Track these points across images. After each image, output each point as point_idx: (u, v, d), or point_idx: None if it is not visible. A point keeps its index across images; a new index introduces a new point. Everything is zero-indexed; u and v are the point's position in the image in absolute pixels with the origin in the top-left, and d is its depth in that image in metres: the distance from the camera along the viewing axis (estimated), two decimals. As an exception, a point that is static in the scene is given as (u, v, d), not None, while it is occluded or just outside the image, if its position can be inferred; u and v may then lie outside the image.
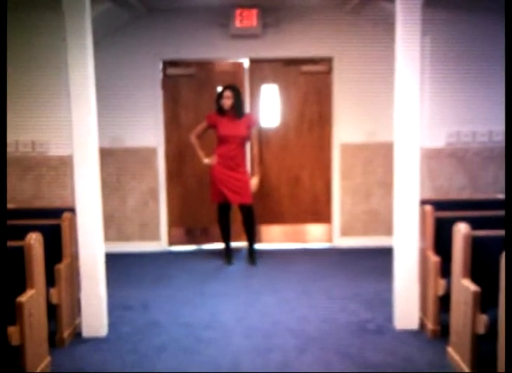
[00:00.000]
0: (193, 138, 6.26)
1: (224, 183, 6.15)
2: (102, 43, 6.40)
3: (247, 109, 6.83)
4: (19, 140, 6.00)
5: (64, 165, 5.95)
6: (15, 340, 3.39)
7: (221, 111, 6.16)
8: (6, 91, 3.60)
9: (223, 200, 6.22)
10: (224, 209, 6.35)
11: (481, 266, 3.76)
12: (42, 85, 5.90)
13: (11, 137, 5.89)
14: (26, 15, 5.81)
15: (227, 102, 6.10)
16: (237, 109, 6.14)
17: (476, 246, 3.78)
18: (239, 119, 6.13)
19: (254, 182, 6.29)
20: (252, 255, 6.42)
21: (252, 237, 6.41)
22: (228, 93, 6.11)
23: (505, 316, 2.88)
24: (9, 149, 5.91)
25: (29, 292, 3.59)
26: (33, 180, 6.05)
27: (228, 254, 6.49)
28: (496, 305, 3.29)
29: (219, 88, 6.21)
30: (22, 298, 3.48)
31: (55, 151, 6.00)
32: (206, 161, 6.20)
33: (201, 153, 6.22)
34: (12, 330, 3.38)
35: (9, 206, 5.22)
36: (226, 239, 6.51)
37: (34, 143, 6.02)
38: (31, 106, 5.94)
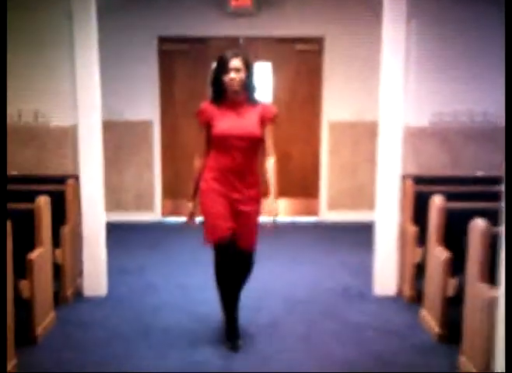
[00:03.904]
0: (197, 163, 3.82)
1: (222, 210, 3.69)
2: (100, 18, 6.61)
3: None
4: (22, 110, 6.23)
5: (66, 136, 6.19)
6: (25, 293, 3.70)
7: (219, 97, 3.69)
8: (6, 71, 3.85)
9: (224, 237, 3.66)
10: (226, 252, 3.69)
11: (454, 235, 4.08)
12: (45, 56, 6.11)
13: (14, 107, 6.12)
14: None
15: (237, 78, 3.59)
16: (251, 91, 3.72)
17: (450, 217, 4.10)
18: (251, 107, 3.71)
19: (271, 206, 3.74)
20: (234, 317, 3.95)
21: (242, 285, 3.99)
22: (237, 63, 3.60)
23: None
24: (13, 119, 6.14)
25: (38, 250, 3.90)
26: (35, 149, 6.29)
27: (231, 331, 3.87)
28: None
29: (217, 60, 3.69)
30: (33, 255, 3.79)
31: (57, 121, 6.24)
32: (190, 205, 3.88)
33: (193, 188, 3.86)
34: (23, 284, 3.69)
35: (13, 172, 5.48)
36: (229, 306, 3.88)
37: (37, 113, 6.25)
38: (34, 77, 6.16)
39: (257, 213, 3.80)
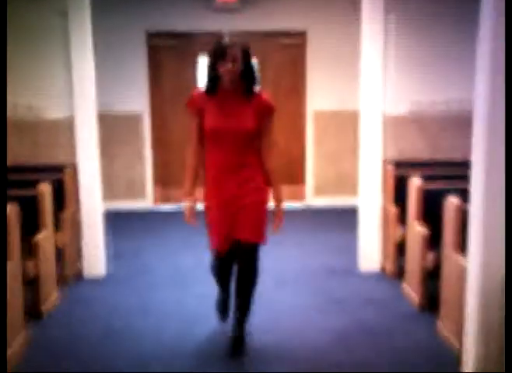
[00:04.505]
0: (190, 156, 3.54)
1: (224, 212, 3.49)
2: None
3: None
4: (17, 103, 6.44)
5: (61, 127, 6.41)
6: (32, 273, 3.95)
7: (213, 88, 3.43)
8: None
9: (222, 250, 3.58)
10: (223, 261, 3.73)
11: (431, 213, 4.37)
12: (39, 50, 6.32)
13: (9, 101, 6.33)
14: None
15: (233, 69, 3.34)
16: (247, 83, 3.43)
17: (428, 197, 4.39)
18: (247, 100, 3.44)
19: (276, 212, 3.59)
20: (240, 330, 3.67)
21: (246, 301, 3.66)
22: (235, 53, 3.34)
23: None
24: (8, 113, 6.34)
25: (42, 233, 4.14)
26: (30, 141, 6.51)
27: (223, 305, 4.01)
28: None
29: (213, 47, 3.43)
30: (38, 237, 4.04)
31: (51, 113, 6.45)
32: (188, 202, 3.53)
33: (188, 184, 3.54)
34: (30, 264, 3.93)
35: (9, 163, 5.69)
36: (225, 288, 3.97)
37: (31, 106, 6.47)
38: (28, 71, 6.37)
39: (260, 203, 3.50)
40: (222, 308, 4.01)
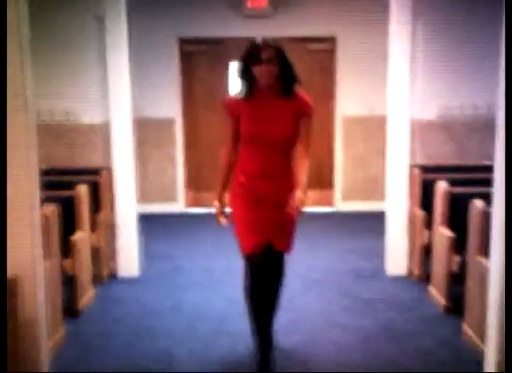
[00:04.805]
0: (224, 158, 3.45)
1: (253, 218, 3.39)
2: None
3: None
4: (54, 109, 6.68)
5: (95, 132, 6.64)
6: (69, 271, 4.12)
7: (249, 92, 3.32)
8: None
9: (257, 246, 3.38)
10: (261, 263, 3.45)
11: (457, 217, 4.43)
12: (75, 58, 6.56)
13: (46, 106, 6.58)
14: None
15: (271, 70, 3.24)
16: (285, 83, 3.33)
17: (454, 201, 4.46)
18: (284, 102, 3.33)
19: (299, 196, 3.22)
20: (267, 343, 3.57)
21: (274, 302, 3.60)
22: (269, 53, 3.24)
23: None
24: (45, 117, 6.60)
25: (79, 233, 4.32)
26: (66, 145, 6.74)
27: (263, 355, 3.52)
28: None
29: (247, 49, 3.33)
30: (75, 237, 4.21)
31: (87, 119, 6.68)
32: (217, 204, 3.47)
33: (220, 186, 3.47)
34: (68, 262, 4.11)
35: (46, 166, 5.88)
36: (261, 327, 3.55)
37: (68, 112, 6.71)
38: (65, 78, 6.61)
39: (294, 211, 3.26)
40: (262, 357, 3.52)
